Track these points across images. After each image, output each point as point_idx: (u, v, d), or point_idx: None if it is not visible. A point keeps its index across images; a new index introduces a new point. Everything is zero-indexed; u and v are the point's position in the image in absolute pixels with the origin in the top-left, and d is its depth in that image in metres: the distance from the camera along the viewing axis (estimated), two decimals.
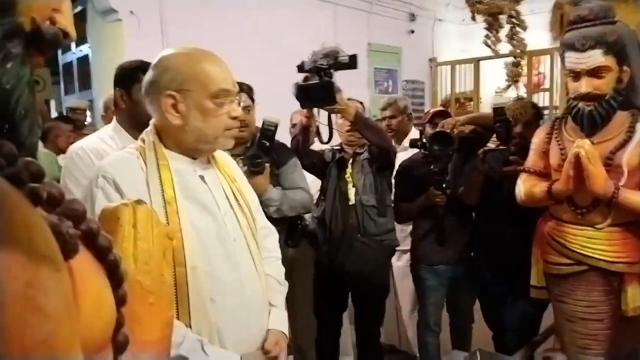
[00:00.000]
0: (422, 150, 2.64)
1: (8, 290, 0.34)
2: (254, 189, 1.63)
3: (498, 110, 2.49)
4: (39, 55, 0.58)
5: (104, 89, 4.34)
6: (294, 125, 3.31)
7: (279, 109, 3.28)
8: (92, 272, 0.49)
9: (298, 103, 2.40)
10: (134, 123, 1.85)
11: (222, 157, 1.51)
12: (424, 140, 2.65)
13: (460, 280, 2.68)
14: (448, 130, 2.55)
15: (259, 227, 1.53)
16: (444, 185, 2.50)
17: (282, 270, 1.60)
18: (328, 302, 2.73)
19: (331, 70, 2.25)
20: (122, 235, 0.65)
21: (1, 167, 0.43)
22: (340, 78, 2.33)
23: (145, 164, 1.30)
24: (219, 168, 1.45)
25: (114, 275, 0.54)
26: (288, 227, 2.44)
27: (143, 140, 1.36)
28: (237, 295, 1.34)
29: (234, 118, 1.35)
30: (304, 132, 2.54)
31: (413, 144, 2.72)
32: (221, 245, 1.34)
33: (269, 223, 1.66)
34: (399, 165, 2.81)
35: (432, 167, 2.53)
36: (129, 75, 1.93)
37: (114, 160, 1.36)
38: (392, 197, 2.76)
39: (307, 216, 2.75)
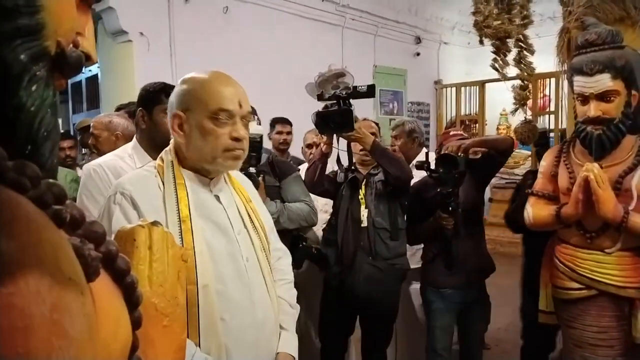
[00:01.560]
0: (428, 173, 2.64)
1: (34, 314, 0.33)
2: None
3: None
4: (61, 77, 0.59)
5: (112, 108, 4.39)
6: (308, 146, 3.28)
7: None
8: (111, 294, 0.49)
9: (304, 122, 2.40)
10: (152, 143, 1.88)
11: (238, 177, 1.52)
12: (430, 162, 2.64)
13: (470, 305, 2.64)
14: (453, 153, 2.54)
15: (273, 249, 1.52)
16: (450, 209, 2.48)
17: (295, 293, 1.59)
18: (335, 324, 2.68)
19: (350, 99, 2.26)
20: (138, 257, 0.65)
21: (26, 189, 0.42)
22: None
23: (163, 182, 1.32)
24: (234, 188, 1.45)
25: (131, 297, 0.54)
26: (289, 247, 2.42)
27: (162, 159, 1.37)
28: (247, 315, 1.32)
29: (235, 139, 1.32)
30: (323, 159, 2.53)
31: (419, 166, 2.71)
32: (233, 264, 1.33)
33: (283, 245, 1.65)
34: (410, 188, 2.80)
35: (439, 189, 2.52)
36: (151, 97, 1.96)
37: (132, 178, 1.38)
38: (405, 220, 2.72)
39: (318, 235, 2.73)
